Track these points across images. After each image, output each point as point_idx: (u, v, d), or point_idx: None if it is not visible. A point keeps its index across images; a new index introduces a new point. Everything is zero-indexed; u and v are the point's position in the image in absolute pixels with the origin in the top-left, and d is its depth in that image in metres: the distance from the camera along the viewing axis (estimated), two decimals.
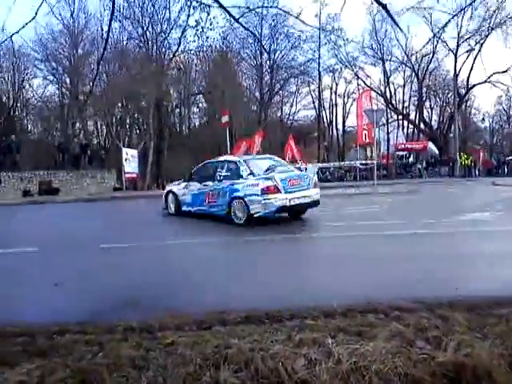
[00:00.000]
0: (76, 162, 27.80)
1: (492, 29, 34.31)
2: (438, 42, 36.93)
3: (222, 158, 11.59)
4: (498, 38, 33.81)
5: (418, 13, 32.94)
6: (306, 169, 11.54)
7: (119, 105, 36.59)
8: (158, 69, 34.04)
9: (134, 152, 28.22)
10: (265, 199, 9.25)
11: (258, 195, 9.33)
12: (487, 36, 35.34)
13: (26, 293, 4.64)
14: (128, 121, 39.55)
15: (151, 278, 5.13)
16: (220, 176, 10.49)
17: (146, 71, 32.22)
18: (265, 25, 39.19)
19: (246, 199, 9.49)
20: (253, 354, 2.56)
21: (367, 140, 26.94)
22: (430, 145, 38.13)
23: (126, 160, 26.01)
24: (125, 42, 36.08)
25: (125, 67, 35.14)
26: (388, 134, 41.16)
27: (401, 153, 38.97)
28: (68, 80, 37.35)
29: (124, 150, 26.91)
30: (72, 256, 6.62)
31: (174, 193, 11.70)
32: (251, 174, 9.83)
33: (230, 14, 4.70)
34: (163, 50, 36.78)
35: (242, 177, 9.92)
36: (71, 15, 35.81)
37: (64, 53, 36.80)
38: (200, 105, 45.66)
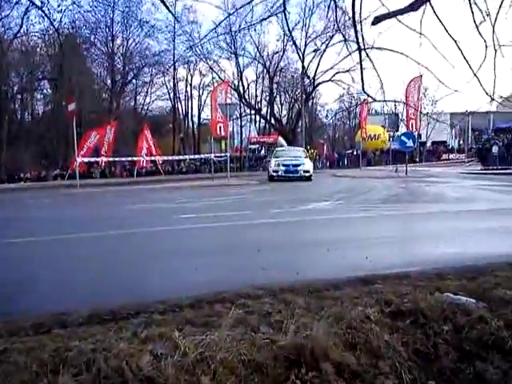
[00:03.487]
0: None
1: (336, 31, 37.15)
2: (288, 40, 38.99)
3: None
4: (338, 41, 36.77)
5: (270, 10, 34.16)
6: None
7: None
8: None
9: None
10: None
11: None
12: (331, 37, 38.24)
13: None
14: None
15: None
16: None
17: None
18: (116, 11, 37.62)
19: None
20: (95, 355, 2.42)
21: (222, 133, 27.44)
22: (280, 139, 40.28)
23: None
24: None
25: None
26: (241, 127, 42.45)
27: (253, 146, 40.53)
28: None
29: None
30: None
31: None
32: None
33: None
34: (3, 30, 33.21)
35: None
36: None
37: None
38: (45, 91, 42.26)
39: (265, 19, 6.01)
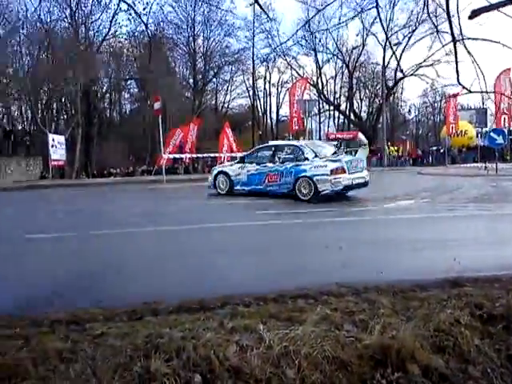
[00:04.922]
0: None
1: (419, 23, 35.71)
2: (368, 34, 38.04)
3: (280, 143, 13.52)
4: (424, 33, 35.37)
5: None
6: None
7: (45, 89, 34.73)
8: (86, 52, 32.60)
9: (62, 138, 26.92)
10: (334, 179, 10.56)
11: (327, 175, 10.61)
12: (414, 30, 36.80)
13: None
14: (55, 106, 37.64)
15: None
16: (280, 158, 11.72)
17: (74, 54, 30.75)
18: (198, 11, 38.62)
19: (314, 179, 10.74)
20: (184, 343, 2.54)
21: (300, 129, 27.35)
22: (360, 135, 39.39)
23: (52, 147, 24.82)
24: (52, 24, 34.12)
25: (51, 49, 33.32)
26: (320, 123, 42.09)
27: (332, 142, 40.05)
28: None
29: (50, 136, 25.62)
30: None
31: (226, 173, 12.60)
32: (316, 156, 11.20)
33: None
34: (92, 33, 35.31)
35: (307, 159, 11.19)
36: None
37: None
38: (132, 91, 44.42)
39: (350, 19, 5.88)
